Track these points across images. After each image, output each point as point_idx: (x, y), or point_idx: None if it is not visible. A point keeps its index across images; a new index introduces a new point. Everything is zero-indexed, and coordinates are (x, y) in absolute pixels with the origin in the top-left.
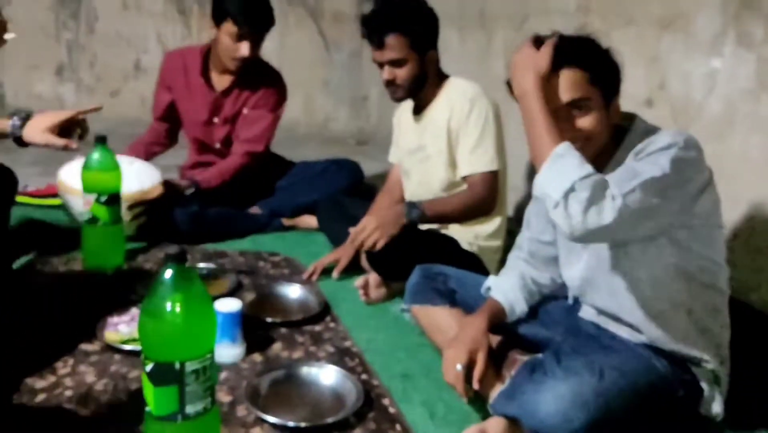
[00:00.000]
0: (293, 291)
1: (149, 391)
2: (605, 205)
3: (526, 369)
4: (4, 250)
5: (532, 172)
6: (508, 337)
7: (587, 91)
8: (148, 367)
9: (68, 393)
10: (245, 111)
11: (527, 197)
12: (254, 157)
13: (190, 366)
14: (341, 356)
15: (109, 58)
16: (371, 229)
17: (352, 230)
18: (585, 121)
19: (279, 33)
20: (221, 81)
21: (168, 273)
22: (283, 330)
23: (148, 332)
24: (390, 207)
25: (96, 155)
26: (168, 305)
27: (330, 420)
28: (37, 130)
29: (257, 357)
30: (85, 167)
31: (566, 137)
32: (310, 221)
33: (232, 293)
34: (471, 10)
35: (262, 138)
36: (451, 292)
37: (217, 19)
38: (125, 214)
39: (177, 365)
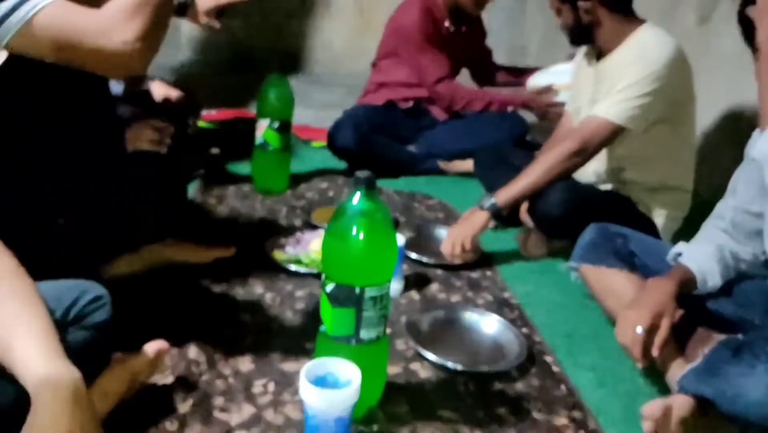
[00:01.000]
0: None
1: (327, 311)
2: None
3: (727, 349)
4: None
5: (723, 141)
6: (692, 312)
7: None
8: (329, 287)
9: (238, 298)
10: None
11: (714, 168)
12: None
13: (369, 292)
14: (500, 306)
15: None
16: (453, 240)
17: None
18: None
19: None
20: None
21: (357, 197)
22: (440, 272)
23: (332, 253)
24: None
25: (273, 83)
26: (355, 229)
27: (492, 369)
28: (201, 13)
29: (414, 295)
30: (262, 94)
31: None
32: (464, 165)
33: None
34: None
35: None
36: (630, 255)
37: None
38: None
39: (357, 289)
